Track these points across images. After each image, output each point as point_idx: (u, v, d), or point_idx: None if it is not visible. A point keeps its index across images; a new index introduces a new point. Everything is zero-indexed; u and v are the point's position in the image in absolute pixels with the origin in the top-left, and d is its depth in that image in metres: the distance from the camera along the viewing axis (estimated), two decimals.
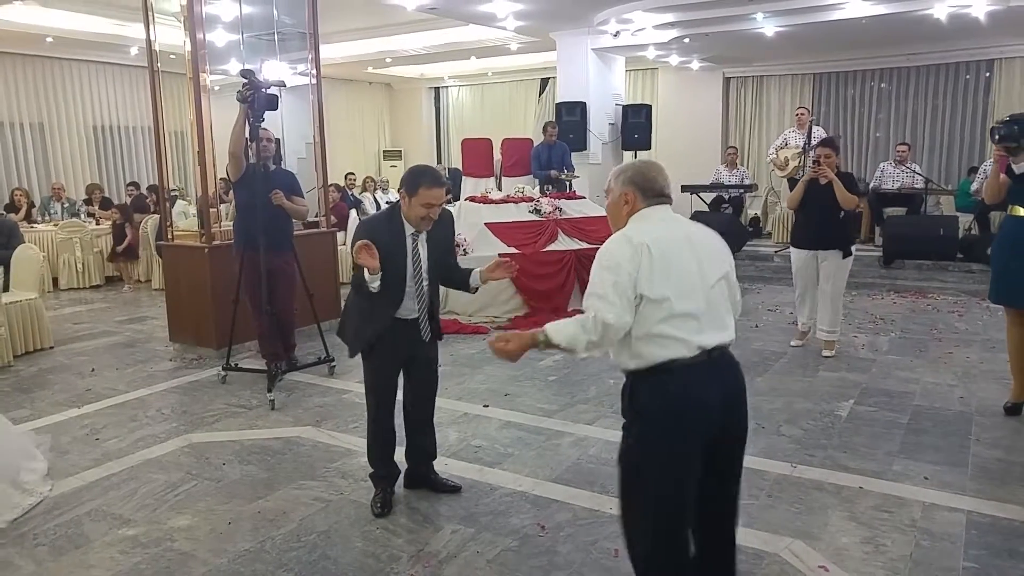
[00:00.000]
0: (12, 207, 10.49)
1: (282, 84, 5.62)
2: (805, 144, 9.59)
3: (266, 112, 5.20)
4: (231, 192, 11.79)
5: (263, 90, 5.11)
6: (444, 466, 3.95)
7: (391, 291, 3.32)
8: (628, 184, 2.34)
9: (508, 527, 3.34)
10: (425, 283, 3.41)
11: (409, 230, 3.33)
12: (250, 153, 5.36)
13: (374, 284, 3.20)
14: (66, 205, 10.87)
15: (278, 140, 5.82)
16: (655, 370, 2.20)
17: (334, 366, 5.74)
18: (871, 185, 10.32)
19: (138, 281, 10.16)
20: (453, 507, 3.54)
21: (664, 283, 2.16)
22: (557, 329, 2.23)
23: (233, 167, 5.42)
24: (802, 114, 10.08)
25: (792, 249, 6.10)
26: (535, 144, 10.13)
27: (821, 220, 5.79)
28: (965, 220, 9.50)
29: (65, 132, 12.31)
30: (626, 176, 2.36)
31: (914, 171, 10.08)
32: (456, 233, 7.40)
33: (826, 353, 5.98)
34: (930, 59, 11.66)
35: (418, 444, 3.70)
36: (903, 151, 10.14)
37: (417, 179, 3.23)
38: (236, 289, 5.46)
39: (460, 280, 3.53)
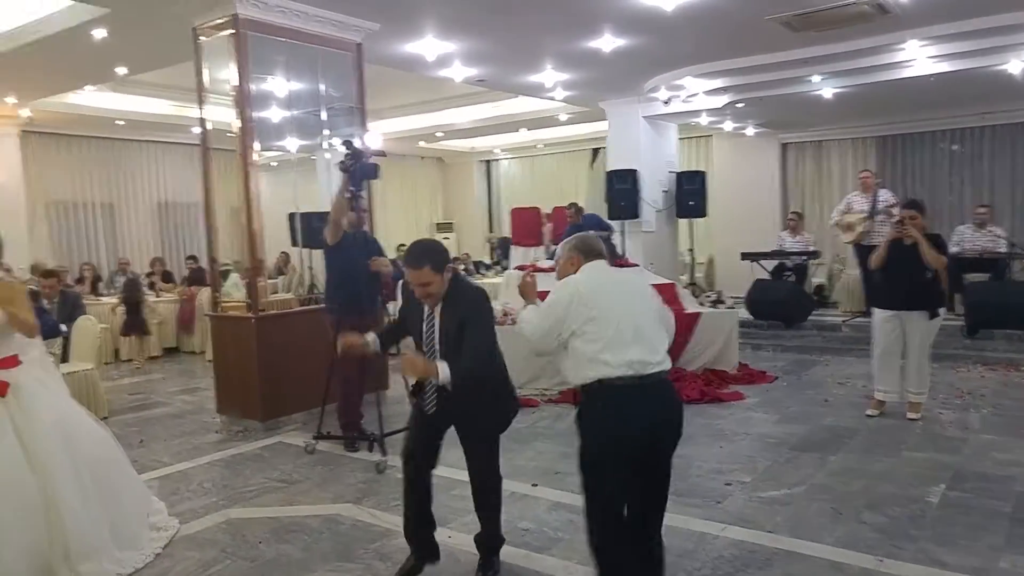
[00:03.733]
0: (79, 280, 10.92)
1: (382, 154, 5.70)
2: (871, 208, 9.22)
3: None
4: (296, 261, 11.89)
5: (364, 159, 5.19)
6: None
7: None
8: (573, 250, 3.13)
9: None
10: (436, 355, 3.29)
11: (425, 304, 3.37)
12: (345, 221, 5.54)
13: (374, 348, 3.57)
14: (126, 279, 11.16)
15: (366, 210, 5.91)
16: (590, 388, 2.83)
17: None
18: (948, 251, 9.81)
19: (151, 358, 10.01)
20: None
21: (591, 316, 2.82)
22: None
23: (332, 233, 5.55)
24: (867, 177, 9.70)
25: (874, 310, 6.01)
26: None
27: (905, 281, 5.70)
28: None
29: (132, 209, 12.88)
30: (571, 245, 3.17)
31: (996, 235, 9.53)
32: (504, 302, 7.39)
33: (911, 416, 5.82)
34: (1006, 118, 11.18)
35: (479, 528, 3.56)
36: (983, 213, 9.64)
37: (405, 257, 3.31)
38: (333, 355, 5.43)
39: None
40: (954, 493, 4.36)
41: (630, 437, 2.79)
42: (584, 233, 3.30)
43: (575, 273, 3.04)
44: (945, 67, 8.03)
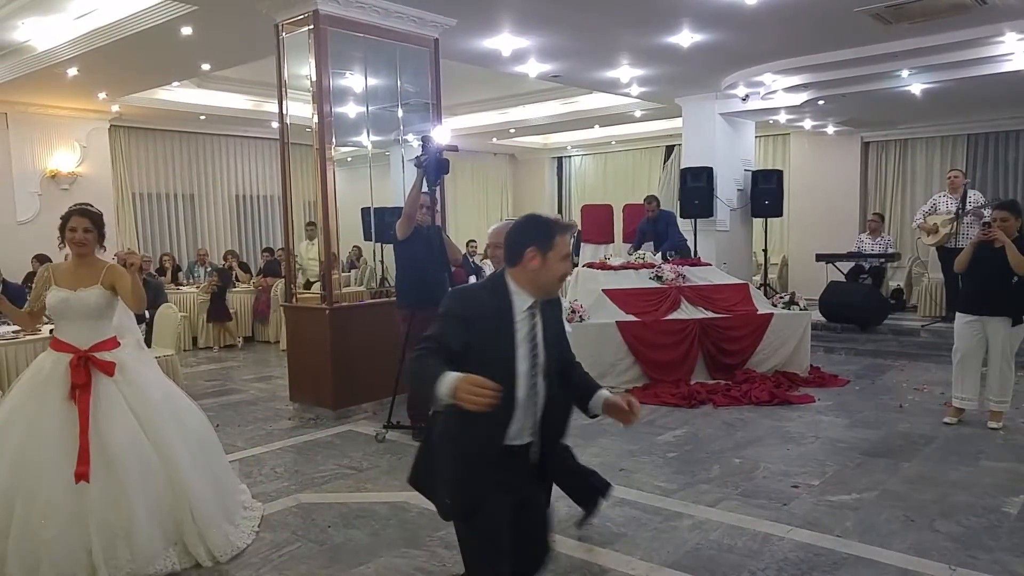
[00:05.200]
0: (160, 270, 11.34)
1: (455, 148, 5.77)
2: (959, 209, 8.83)
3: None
4: (354, 256, 12.13)
5: (436, 155, 5.27)
6: (552, 543, 3.69)
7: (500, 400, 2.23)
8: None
9: None
10: (542, 385, 2.49)
11: (523, 305, 2.48)
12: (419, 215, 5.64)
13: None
14: (208, 269, 11.58)
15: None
16: None
17: None
18: None
19: (227, 346, 10.45)
20: None
21: None
22: None
23: (404, 227, 5.60)
24: (955, 177, 9.27)
25: (956, 314, 5.81)
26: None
27: (989, 284, 5.49)
28: None
29: (212, 201, 13.33)
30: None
31: None
32: (573, 299, 7.38)
33: (992, 425, 5.61)
34: None
35: None
36: None
37: (551, 227, 2.46)
38: (403, 347, 5.53)
39: (580, 386, 2.65)
40: None
41: None
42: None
43: None
44: None
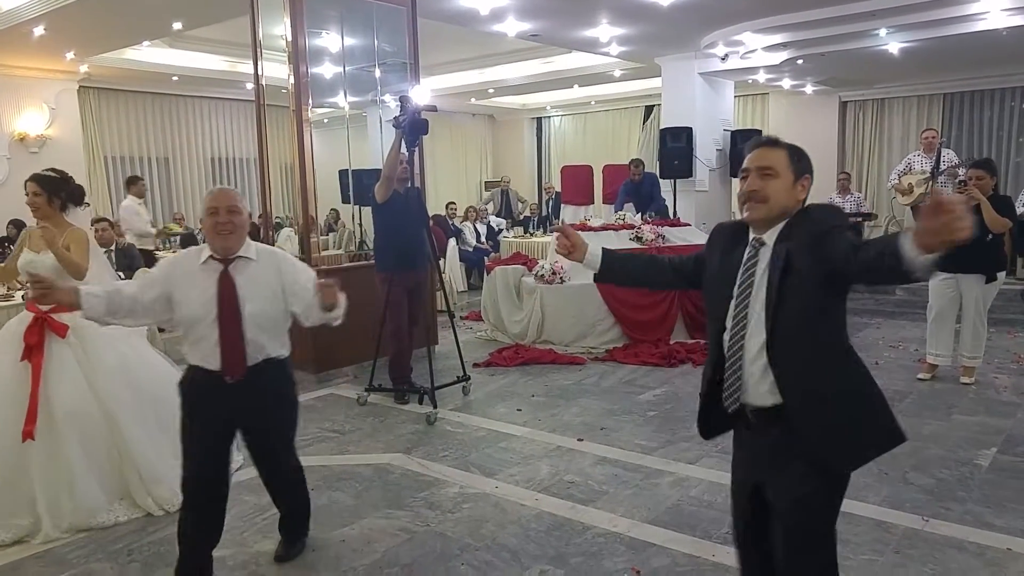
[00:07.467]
0: None
1: (433, 108, 5.68)
2: (933, 168, 8.90)
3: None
4: (334, 219, 12.03)
5: (415, 115, 5.20)
6: (535, 501, 3.80)
7: None
8: None
9: (600, 570, 3.12)
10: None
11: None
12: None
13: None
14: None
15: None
16: None
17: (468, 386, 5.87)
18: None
19: None
20: (542, 546, 3.34)
21: None
22: None
23: (383, 190, 5.53)
24: (930, 137, 9.34)
25: None
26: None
27: (964, 242, 5.45)
28: None
29: (187, 164, 13.06)
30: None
31: None
32: (554, 261, 7.39)
33: (964, 380, 5.74)
34: None
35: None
36: None
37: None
38: (383, 310, 5.52)
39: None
40: (1005, 457, 4.30)
41: None
42: None
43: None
44: (1019, 20, 7.63)
